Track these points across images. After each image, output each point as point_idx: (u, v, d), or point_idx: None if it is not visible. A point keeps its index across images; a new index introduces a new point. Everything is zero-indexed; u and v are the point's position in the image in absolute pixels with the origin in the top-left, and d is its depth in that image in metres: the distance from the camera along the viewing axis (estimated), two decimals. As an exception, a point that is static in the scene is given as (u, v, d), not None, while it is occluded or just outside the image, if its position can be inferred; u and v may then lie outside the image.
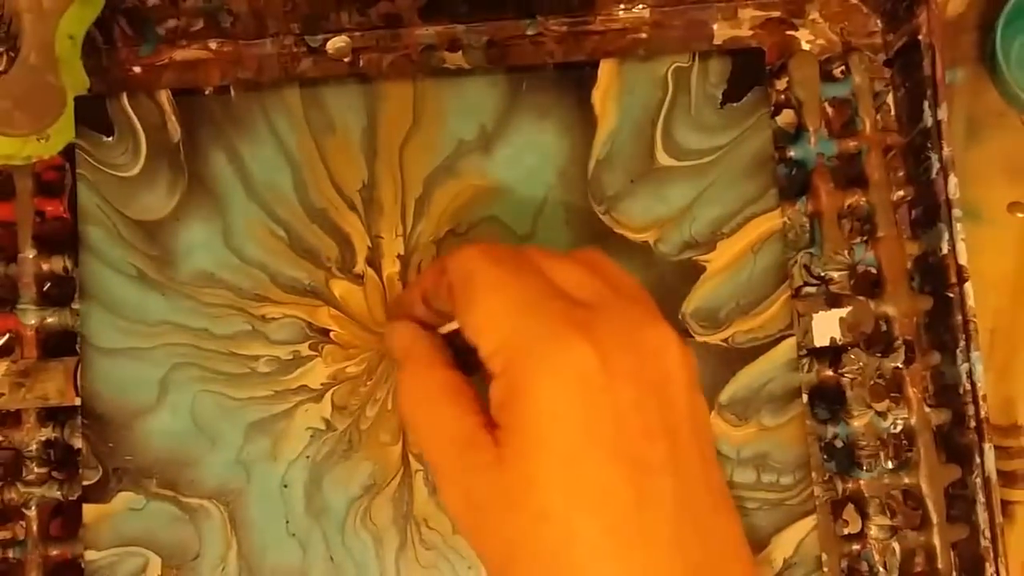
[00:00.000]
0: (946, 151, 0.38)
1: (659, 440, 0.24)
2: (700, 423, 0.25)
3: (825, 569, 0.36)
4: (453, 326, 0.28)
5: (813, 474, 0.35)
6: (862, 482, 0.37)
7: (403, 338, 0.29)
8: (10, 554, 0.37)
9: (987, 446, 0.37)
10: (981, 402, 0.37)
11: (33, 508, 0.37)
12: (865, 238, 0.39)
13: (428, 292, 0.29)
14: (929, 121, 0.38)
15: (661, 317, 0.26)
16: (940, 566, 0.37)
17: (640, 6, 0.42)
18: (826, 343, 0.38)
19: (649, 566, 0.23)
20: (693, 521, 0.24)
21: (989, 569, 0.36)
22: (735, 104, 0.36)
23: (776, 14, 0.42)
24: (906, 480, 0.37)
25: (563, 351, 0.23)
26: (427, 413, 0.26)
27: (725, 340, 0.35)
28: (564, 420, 0.23)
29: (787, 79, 0.39)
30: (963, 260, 0.37)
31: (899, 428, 0.38)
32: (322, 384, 0.35)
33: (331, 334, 0.36)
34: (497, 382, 0.25)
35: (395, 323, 0.30)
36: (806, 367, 0.38)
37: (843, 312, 0.38)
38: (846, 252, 0.38)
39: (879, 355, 0.38)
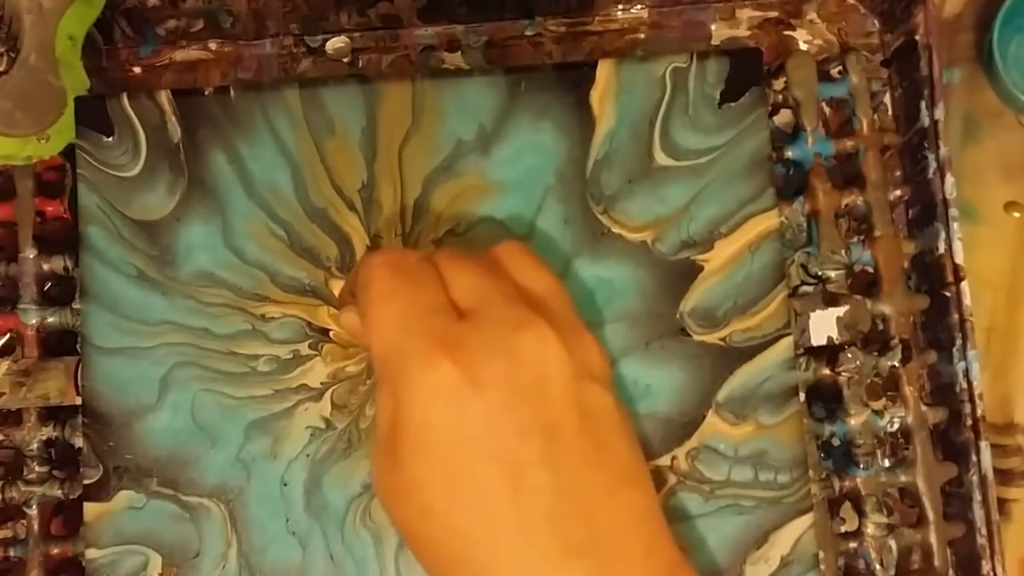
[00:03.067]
0: (943, 151, 0.38)
1: (534, 437, 0.26)
2: (592, 413, 0.27)
3: (822, 567, 0.36)
4: None
5: (810, 472, 0.35)
6: (859, 480, 0.37)
7: (351, 324, 0.31)
8: (11, 553, 0.37)
9: (983, 444, 0.37)
10: (978, 400, 0.37)
11: (34, 507, 0.37)
12: (862, 237, 0.39)
13: (353, 290, 0.32)
14: (926, 121, 0.38)
15: (543, 318, 0.27)
16: (937, 564, 0.37)
17: (638, 7, 0.42)
18: (823, 342, 0.38)
19: (525, 552, 0.25)
20: (578, 507, 0.26)
21: (986, 567, 0.36)
22: (733, 104, 0.36)
23: (774, 14, 0.43)
24: (903, 478, 0.37)
25: (429, 370, 0.26)
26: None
27: (723, 339, 0.35)
28: (436, 431, 0.26)
29: (785, 79, 0.39)
30: (960, 259, 0.37)
31: (896, 426, 0.38)
32: (322, 383, 0.36)
33: (331, 333, 0.36)
34: (383, 391, 0.27)
35: (343, 310, 0.32)
36: (803, 366, 0.38)
37: (840, 311, 0.38)
38: (843, 251, 0.38)
39: (876, 354, 0.38)
